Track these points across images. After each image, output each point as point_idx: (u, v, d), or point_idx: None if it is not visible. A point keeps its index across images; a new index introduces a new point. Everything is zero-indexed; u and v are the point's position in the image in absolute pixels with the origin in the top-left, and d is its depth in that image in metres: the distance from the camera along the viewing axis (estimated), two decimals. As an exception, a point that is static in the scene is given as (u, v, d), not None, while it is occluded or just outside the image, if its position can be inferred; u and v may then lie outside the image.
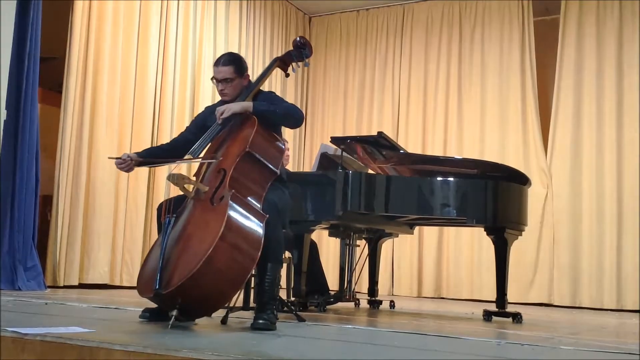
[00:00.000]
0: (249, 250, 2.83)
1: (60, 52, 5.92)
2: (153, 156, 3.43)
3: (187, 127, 3.59)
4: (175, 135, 6.01)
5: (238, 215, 2.87)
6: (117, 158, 3.30)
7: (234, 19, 7.48)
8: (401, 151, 4.78)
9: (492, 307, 4.44)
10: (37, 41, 5.12)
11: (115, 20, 6.00)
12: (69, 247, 5.55)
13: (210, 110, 3.48)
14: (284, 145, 3.30)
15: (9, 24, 4.95)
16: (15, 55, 4.98)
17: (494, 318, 4.39)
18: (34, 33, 5.08)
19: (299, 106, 4.22)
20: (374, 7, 8.54)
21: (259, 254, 2.83)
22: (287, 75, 3.68)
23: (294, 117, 3.32)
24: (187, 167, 5.56)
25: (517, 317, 4.29)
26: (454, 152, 7.67)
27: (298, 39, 3.59)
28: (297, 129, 8.44)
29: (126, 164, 3.26)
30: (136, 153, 3.38)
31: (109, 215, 5.87)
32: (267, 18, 8.09)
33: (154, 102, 6.38)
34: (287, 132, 7.36)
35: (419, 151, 7.74)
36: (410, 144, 7.87)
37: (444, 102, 7.95)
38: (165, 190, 6.32)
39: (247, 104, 3.21)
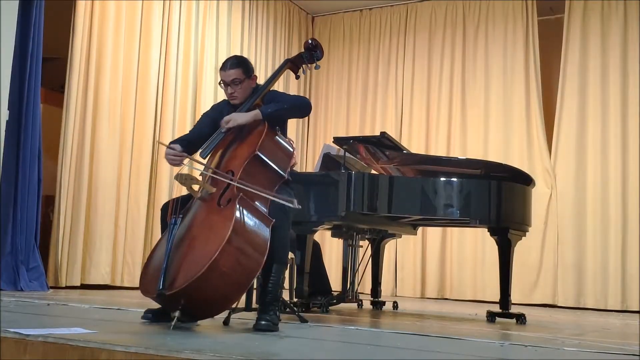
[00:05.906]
0: (255, 255, 2.81)
1: (62, 52, 5.92)
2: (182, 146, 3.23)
3: (198, 124, 3.47)
4: (177, 134, 6.03)
5: (245, 218, 2.85)
6: (168, 146, 3.13)
7: (237, 19, 7.47)
8: (404, 151, 4.77)
9: (496, 308, 4.42)
10: (39, 41, 5.11)
11: (117, 20, 6.00)
12: (71, 247, 5.54)
13: (218, 109, 3.45)
14: (293, 148, 3.28)
15: (12, 24, 4.95)
16: (18, 55, 4.98)
17: (498, 319, 4.37)
18: (36, 33, 5.07)
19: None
20: (377, 7, 8.53)
21: (265, 258, 2.81)
22: (298, 77, 3.66)
23: (302, 108, 3.39)
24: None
25: (520, 318, 4.28)
26: (457, 152, 7.66)
27: (310, 41, 3.55)
28: (300, 130, 8.45)
29: (181, 158, 3.13)
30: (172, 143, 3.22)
31: (110, 216, 5.87)
32: (270, 18, 8.08)
33: (156, 102, 6.38)
34: (288, 134, 7.33)
35: (422, 151, 7.72)
36: (414, 144, 7.86)
37: (448, 102, 7.93)
38: (167, 191, 6.31)
39: (255, 113, 3.18)
